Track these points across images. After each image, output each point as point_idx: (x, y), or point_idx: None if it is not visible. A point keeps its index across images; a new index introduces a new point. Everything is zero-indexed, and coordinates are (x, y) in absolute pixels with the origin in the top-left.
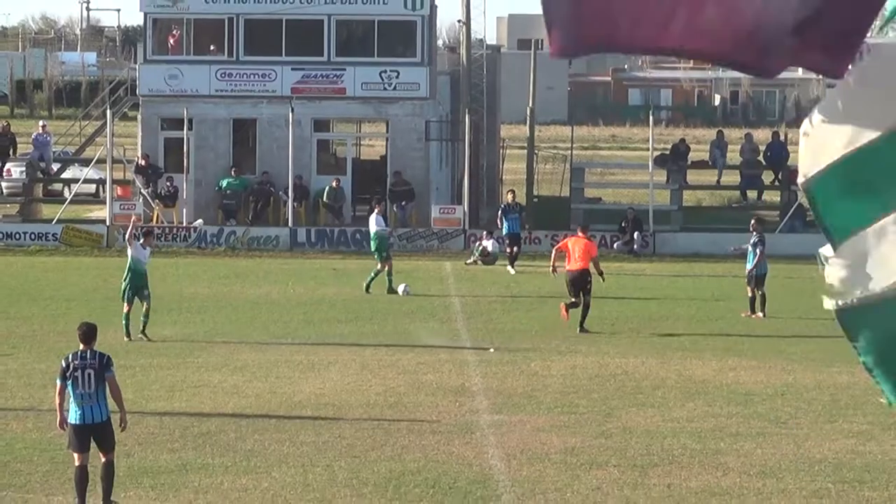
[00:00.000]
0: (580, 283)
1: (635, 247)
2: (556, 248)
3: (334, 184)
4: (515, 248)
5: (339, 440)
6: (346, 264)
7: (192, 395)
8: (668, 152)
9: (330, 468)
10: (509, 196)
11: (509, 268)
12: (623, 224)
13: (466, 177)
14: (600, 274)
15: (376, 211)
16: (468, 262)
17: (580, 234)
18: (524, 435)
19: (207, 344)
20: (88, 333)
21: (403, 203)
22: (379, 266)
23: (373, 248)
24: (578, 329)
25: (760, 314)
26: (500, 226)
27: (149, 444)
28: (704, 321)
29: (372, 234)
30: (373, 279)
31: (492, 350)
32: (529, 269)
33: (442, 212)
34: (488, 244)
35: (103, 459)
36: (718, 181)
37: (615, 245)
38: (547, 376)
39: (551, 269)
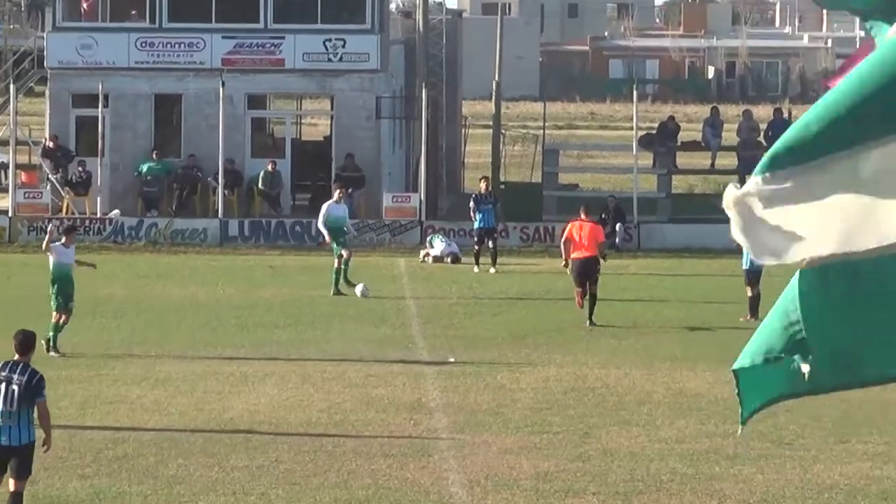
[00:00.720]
0: (590, 272)
1: (617, 240)
2: (563, 238)
3: (270, 168)
4: (491, 244)
5: (276, 465)
6: (284, 261)
7: (107, 412)
8: (654, 132)
9: (265, 497)
10: (482, 185)
11: (491, 269)
12: (603, 215)
13: (423, 160)
14: (602, 257)
15: (337, 195)
16: (422, 260)
17: (583, 216)
18: (489, 458)
19: (125, 354)
20: (25, 343)
21: (351, 190)
22: (344, 255)
23: (332, 239)
24: (588, 323)
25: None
26: (473, 218)
27: (56, 470)
28: (697, 326)
29: (331, 220)
30: (343, 274)
31: (452, 360)
32: (497, 267)
33: (395, 200)
34: (436, 249)
35: (12, 489)
36: (713, 165)
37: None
38: (516, 390)
39: (563, 263)
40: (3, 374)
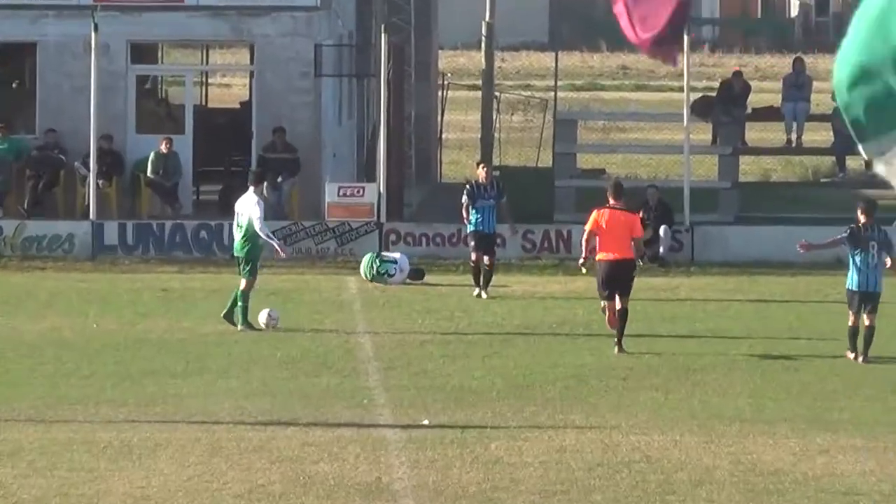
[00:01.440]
0: (621, 279)
1: (661, 249)
2: (587, 228)
3: (164, 148)
4: (486, 259)
5: None
6: (183, 281)
7: None
8: (714, 94)
9: None
10: (481, 171)
11: (478, 291)
12: (642, 213)
13: (383, 136)
14: (640, 258)
15: (252, 189)
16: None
17: (612, 201)
18: None
19: None
20: None
21: (279, 179)
22: (243, 285)
23: (242, 253)
24: (616, 349)
25: (861, 358)
26: (465, 219)
27: None
28: (775, 373)
29: (245, 229)
30: (241, 311)
31: (426, 422)
32: (488, 290)
33: (343, 194)
34: (395, 268)
35: None
36: (797, 141)
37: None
38: (517, 465)
39: (581, 260)
40: None
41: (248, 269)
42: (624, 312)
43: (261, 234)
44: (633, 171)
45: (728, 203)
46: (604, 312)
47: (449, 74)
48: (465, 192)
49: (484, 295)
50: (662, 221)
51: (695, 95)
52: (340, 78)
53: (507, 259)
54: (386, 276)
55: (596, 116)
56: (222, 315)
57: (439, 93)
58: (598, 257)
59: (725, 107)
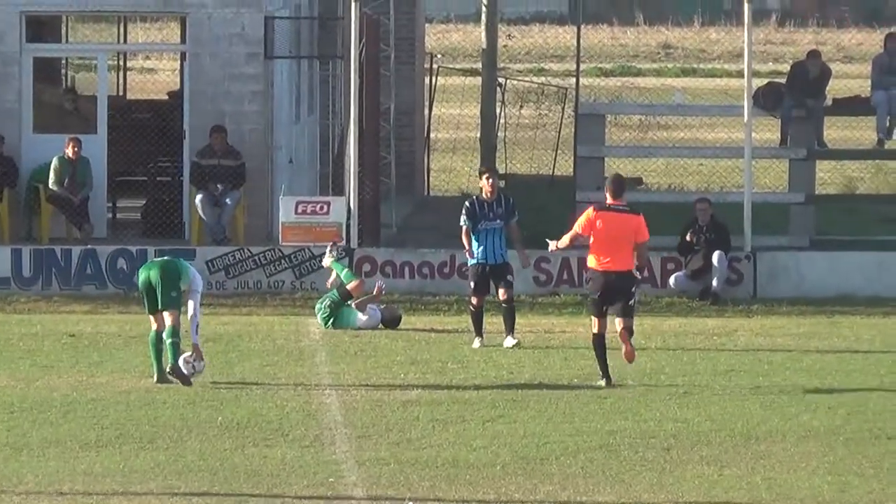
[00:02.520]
0: (620, 295)
1: (715, 283)
2: (574, 229)
3: (71, 151)
4: (502, 294)
5: None
6: (96, 324)
7: None
8: (782, 81)
9: None
10: (486, 182)
11: (479, 342)
12: (689, 235)
13: (354, 136)
14: (640, 270)
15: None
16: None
17: (612, 200)
18: None
19: None
20: None
21: (219, 191)
22: (169, 322)
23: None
24: (625, 353)
25: None
26: (466, 245)
27: None
28: (862, 443)
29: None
30: (171, 356)
31: None
32: (515, 338)
33: (302, 211)
34: (358, 319)
35: None
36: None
37: (673, 279)
38: None
39: (554, 245)
40: None
41: (175, 295)
42: (629, 329)
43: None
44: (679, 180)
45: (801, 222)
46: (598, 345)
47: (439, 56)
48: (463, 211)
49: (510, 341)
50: (716, 246)
51: (758, 82)
52: (298, 61)
53: (515, 295)
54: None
55: (630, 110)
56: (171, 370)
57: (427, 80)
58: (590, 265)
59: (798, 97)
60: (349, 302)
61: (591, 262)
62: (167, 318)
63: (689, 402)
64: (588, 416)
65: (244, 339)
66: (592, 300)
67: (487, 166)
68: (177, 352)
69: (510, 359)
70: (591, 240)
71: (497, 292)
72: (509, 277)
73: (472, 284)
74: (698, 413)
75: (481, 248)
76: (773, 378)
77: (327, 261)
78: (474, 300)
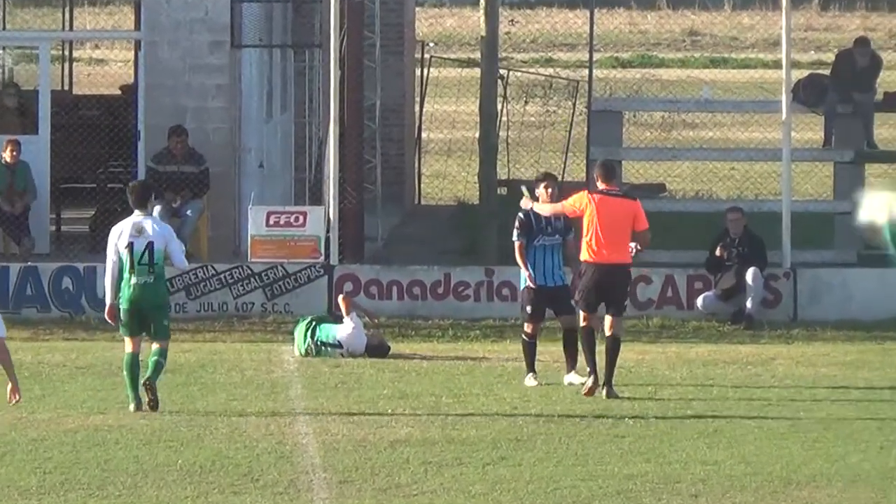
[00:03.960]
0: (614, 290)
1: (749, 304)
2: (561, 208)
3: (7, 156)
4: (567, 320)
5: None
6: (37, 352)
7: None
8: (825, 73)
9: None
10: (545, 192)
11: (531, 377)
12: (719, 249)
13: (334, 137)
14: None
15: (156, 211)
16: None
17: (605, 185)
18: None
19: None
20: None
21: (177, 203)
22: (156, 346)
23: (157, 301)
24: (605, 391)
25: None
26: (523, 265)
27: None
28: None
29: (160, 265)
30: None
31: None
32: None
33: (274, 223)
34: (341, 329)
35: None
36: None
37: (701, 300)
38: None
39: (521, 262)
40: None
41: (167, 322)
42: (616, 343)
43: (183, 268)
44: (707, 186)
45: (848, 234)
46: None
47: (432, 44)
48: (517, 224)
49: (575, 379)
50: (750, 262)
51: (798, 74)
52: (270, 50)
53: (520, 318)
54: (329, 349)
55: (651, 106)
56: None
57: (417, 72)
58: (583, 257)
59: (844, 91)
60: (340, 297)
61: (585, 253)
62: (156, 344)
63: (719, 442)
64: (603, 458)
65: (208, 370)
66: (584, 295)
67: (546, 173)
68: (159, 371)
69: (514, 392)
70: (585, 228)
71: (559, 319)
72: (572, 302)
73: (527, 310)
74: (730, 454)
75: (539, 262)
76: (817, 413)
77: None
78: (529, 328)
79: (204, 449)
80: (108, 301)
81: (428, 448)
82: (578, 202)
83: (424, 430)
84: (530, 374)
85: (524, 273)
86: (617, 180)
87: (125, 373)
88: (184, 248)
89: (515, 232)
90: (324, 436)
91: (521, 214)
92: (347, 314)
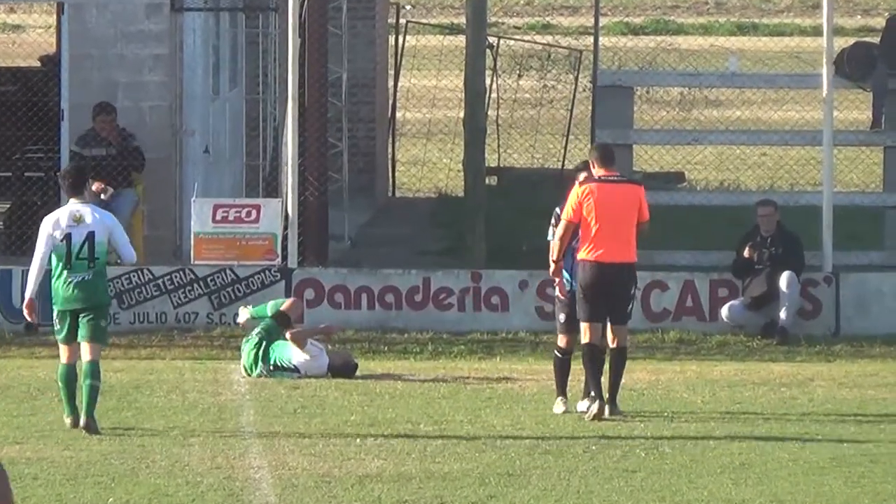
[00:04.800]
0: (616, 292)
1: (783, 315)
2: (565, 218)
3: None
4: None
5: None
6: None
7: None
8: (874, 41)
9: None
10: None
11: (561, 403)
12: (748, 250)
13: (292, 117)
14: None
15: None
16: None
17: (603, 171)
18: None
19: None
20: None
21: (104, 196)
22: (87, 356)
23: (95, 301)
24: (608, 406)
25: None
26: (555, 268)
27: None
28: None
29: (101, 261)
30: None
31: None
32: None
33: (222, 218)
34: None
35: None
36: None
37: (726, 309)
38: None
39: (553, 267)
40: None
41: (104, 324)
42: (622, 356)
43: (132, 262)
44: (734, 175)
45: None
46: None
47: (407, 7)
48: (553, 221)
49: (588, 408)
50: (785, 266)
51: (842, 43)
52: (217, 13)
53: (512, 330)
54: (285, 373)
55: (667, 80)
56: (83, 423)
57: (391, 39)
58: (581, 256)
59: (893, 64)
60: (287, 334)
61: (583, 252)
62: (88, 352)
63: (747, 477)
64: (610, 496)
65: (143, 392)
66: (583, 301)
67: (584, 164)
68: (95, 398)
69: (505, 418)
70: (582, 224)
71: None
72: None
73: (560, 318)
74: (760, 492)
75: (571, 272)
76: (863, 444)
77: (245, 315)
78: (563, 341)
79: (139, 485)
80: (27, 294)
81: (403, 485)
82: (576, 199)
83: (399, 463)
84: (560, 398)
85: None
86: (616, 164)
87: (61, 385)
88: (129, 239)
89: (551, 230)
90: (280, 470)
91: (557, 210)
92: (302, 347)
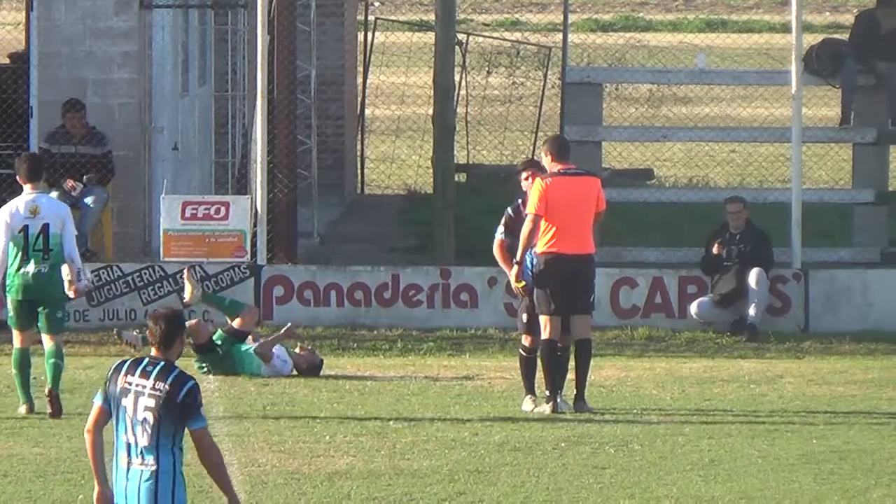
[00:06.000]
0: (579, 284)
1: (752, 312)
2: (532, 211)
3: None
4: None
5: None
6: None
7: None
8: (843, 37)
9: None
10: (526, 179)
11: (529, 405)
12: (717, 246)
13: (261, 114)
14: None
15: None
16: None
17: (560, 165)
18: None
19: None
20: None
21: (76, 192)
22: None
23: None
24: (573, 403)
25: None
26: (504, 262)
27: None
28: None
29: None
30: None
31: None
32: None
33: (191, 215)
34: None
35: None
36: None
37: (695, 306)
38: None
39: (514, 276)
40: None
41: (61, 315)
42: (586, 348)
43: (72, 261)
44: (703, 172)
45: (870, 229)
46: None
47: (376, 3)
48: (503, 221)
49: (580, 406)
50: (754, 262)
51: (811, 39)
52: (186, 11)
53: (481, 327)
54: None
55: (636, 77)
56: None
57: (360, 36)
58: (540, 248)
59: (866, 59)
60: (248, 347)
61: (542, 244)
62: (49, 339)
63: (716, 474)
64: (580, 494)
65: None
66: (543, 294)
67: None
68: (59, 375)
69: (474, 415)
70: (542, 218)
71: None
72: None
73: (523, 319)
74: (729, 488)
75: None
76: (832, 441)
77: (191, 295)
78: (527, 340)
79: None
80: None
81: (373, 481)
82: (539, 193)
83: (368, 460)
84: (529, 396)
85: (510, 274)
86: (582, 160)
87: (14, 371)
88: (76, 233)
89: (500, 228)
90: (250, 467)
91: (510, 211)
92: (267, 361)
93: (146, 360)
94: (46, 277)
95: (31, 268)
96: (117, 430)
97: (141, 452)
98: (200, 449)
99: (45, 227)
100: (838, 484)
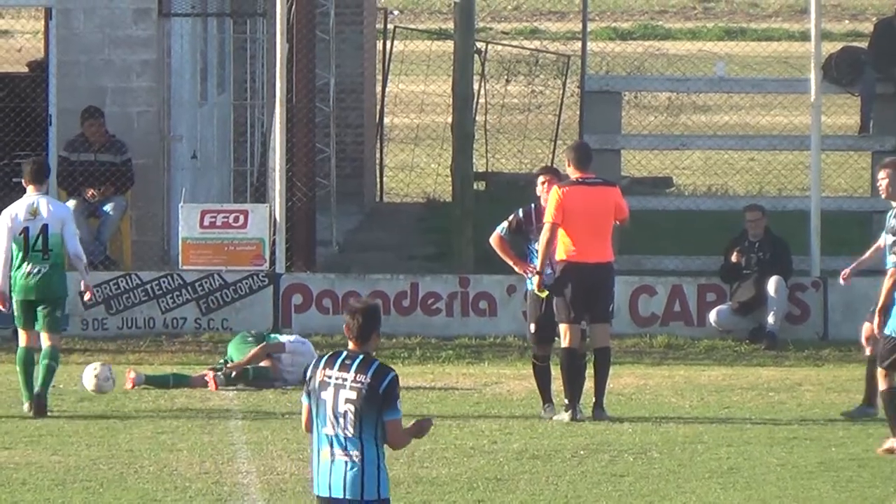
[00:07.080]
0: (599, 293)
1: (771, 319)
2: (549, 220)
3: None
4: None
5: None
6: None
7: None
8: (862, 45)
9: None
10: (543, 184)
11: (547, 408)
12: (736, 254)
13: (280, 122)
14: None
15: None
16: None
17: (580, 174)
18: None
19: None
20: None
21: (97, 197)
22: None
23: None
24: (592, 411)
25: None
26: (508, 257)
27: None
28: None
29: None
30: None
31: None
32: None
33: (209, 224)
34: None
35: None
36: None
37: (714, 314)
38: None
39: (536, 275)
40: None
41: (59, 314)
42: (605, 356)
43: (79, 258)
44: (722, 180)
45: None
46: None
47: (395, 12)
48: (509, 218)
49: (562, 415)
50: (773, 270)
51: (830, 47)
52: (205, 20)
53: (500, 335)
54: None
55: (655, 85)
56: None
57: (379, 45)
58: (560, 256)
59: (885, 67)
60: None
61: (562, 252)
62: (47, 339)
63: (735, 482)
64: (598, 501)
65: (132, 398)
66: (562, 302)
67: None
68: (51, 378)
69: (493, 423)
70: (559, 226)
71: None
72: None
73: (531, 329)
74: (748, 496)
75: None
76: (851, 448)
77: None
78: (538, 349)
79: (127, 490)
80: None
81: (392, 489)
82: (556, 202)
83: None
84: (546, 404)
85: (524, 272)
86: (602, 168)
87: (19, 368)
88: (77, 232)
89: (504, 224)
90: (268, 475)
91: (520, 213)
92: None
93: (344, 353)
94: (46, 277)
95: (31, 268)
96: (317, 426)
97: (345, 444)
98: (391, 437)
99: (45, 227)
100: (857, 492)
